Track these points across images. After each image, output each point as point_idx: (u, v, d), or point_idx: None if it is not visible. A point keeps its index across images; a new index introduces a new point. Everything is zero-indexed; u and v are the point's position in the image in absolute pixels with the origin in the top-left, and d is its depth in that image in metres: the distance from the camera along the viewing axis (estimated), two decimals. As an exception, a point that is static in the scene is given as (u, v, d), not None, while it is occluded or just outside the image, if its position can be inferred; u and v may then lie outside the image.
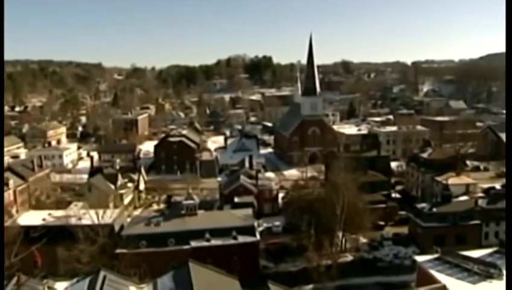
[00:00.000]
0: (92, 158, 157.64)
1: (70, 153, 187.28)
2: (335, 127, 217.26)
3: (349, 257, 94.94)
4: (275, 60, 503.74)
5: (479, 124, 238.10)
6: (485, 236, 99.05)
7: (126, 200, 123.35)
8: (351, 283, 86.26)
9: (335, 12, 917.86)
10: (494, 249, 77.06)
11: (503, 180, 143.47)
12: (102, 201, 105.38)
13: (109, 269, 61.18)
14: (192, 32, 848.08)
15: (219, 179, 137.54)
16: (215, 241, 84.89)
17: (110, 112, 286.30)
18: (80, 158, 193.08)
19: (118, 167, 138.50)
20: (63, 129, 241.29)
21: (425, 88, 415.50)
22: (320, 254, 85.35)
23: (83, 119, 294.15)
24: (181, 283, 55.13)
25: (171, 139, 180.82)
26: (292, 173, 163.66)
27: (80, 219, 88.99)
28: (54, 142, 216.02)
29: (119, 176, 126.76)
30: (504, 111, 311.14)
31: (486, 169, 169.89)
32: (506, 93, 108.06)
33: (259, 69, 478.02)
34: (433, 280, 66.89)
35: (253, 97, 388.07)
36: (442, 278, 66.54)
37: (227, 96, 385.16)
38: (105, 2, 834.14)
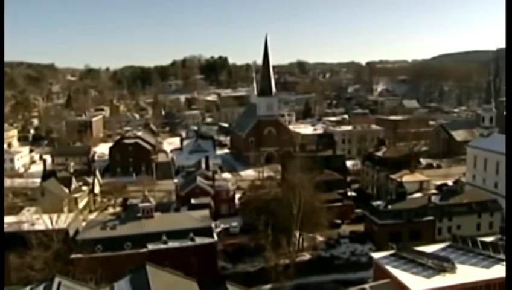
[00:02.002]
0: (44, 161, 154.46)
1: (22, 156, 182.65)
2: (291, 127, 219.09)
3: (306, 256, 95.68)
4: (231, 61, 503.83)
5: (431, 122, 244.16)
6: (439, 231, 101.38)
7: (81, 204, 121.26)
8: (309, 281, 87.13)
9: (290, 13, 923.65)
10: (447, 243, 79.45)
11: (455, 177, 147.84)
12: (56, 205, 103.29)
13: (64, 275, 60.31)
14: (147, 32, 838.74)
15: (175, 180, 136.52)
16: (172, 244, 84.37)
17: (63, 113, 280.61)
18: (32, 162, 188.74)
19: (72, 170, 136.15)
20: (14, 132, 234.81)
21: (380, 88, 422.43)
22: (278, 254, 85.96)
23: (35, 121, 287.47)
24: (138, 287, 54.82)
25: (126, 141, 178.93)
26: (249, 173, 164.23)
27: (32, 224, 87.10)
28: (4, 146, 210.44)
29: (74, 180, 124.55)
30: (456, 110, 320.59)
31: (438, 166, 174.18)
32: (506, 93, 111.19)
33: (215, 70, 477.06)
34: (389, 276, 68.33)
35: (209, 98, 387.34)
36: (397, 273, 68.10)
37: (182, 97, 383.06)
38: (56, 2, 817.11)
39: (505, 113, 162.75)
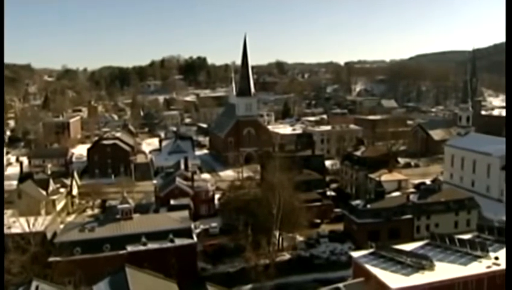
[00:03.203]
0: (21, 164, 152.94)
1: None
2: (270, 127, 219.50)
3: (286, 256, 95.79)
4: (210, 61, 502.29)
5: (409, 122, 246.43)
6: (417, 229, 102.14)
7: (59, 206, 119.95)
8: (289, 281, 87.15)
9: (269, 13, 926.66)
10: (425, 241, 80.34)
11: (433, 176, 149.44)
12: (33, 208, 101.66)
13: (42, 279, 59.72)
14: (125, 32, 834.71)
15: (154, 181, 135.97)
16: (151, 245, 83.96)
17: (40, 115, 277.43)
18: (9, 164, 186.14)
19: (49, 172, 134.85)
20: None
21: (358, 88, 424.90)
22: (257, 254, 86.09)
23: (11, 123, 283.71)
24: (118, 289, 54.46)
25: (105, 142, 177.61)
26: (228, 173, 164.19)
27: (9, 227, 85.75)
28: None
29: (51, 182, 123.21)
30: (433, 110, 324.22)
31: (417, 165, 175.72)
32: (506, 93, 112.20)
33: (194, 70, 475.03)
34: (368, 274, 68.81)
35: (188, 98, 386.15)
36: (377, 271, 68.62)
37: (161, 98, 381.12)
38: (31, 2, 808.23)
39: (470, 112, 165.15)
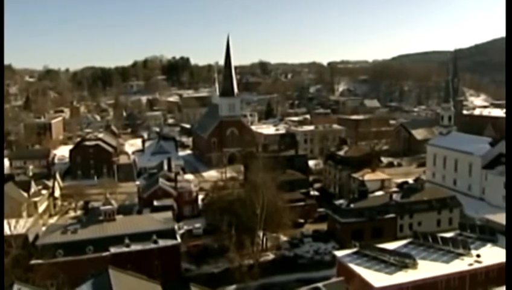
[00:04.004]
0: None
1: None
2: (253, 127, 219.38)
3: (270, 256, 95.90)
4: (193, 61, 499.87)
5: (392, 121, 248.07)
6: (400, 228, 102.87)
7: (40, 208, 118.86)
8: (273, 281, 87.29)
9: (251, 13, 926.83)
10: (409, 240, 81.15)
11: (415, 175, 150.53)
12: (14, 210, 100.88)
13: (24, 282, 59.12)
14: (108, 32, 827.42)
15: (137, 182, 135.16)
16: (135, 246, 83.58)
17: (21, 116, 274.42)
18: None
19: (31, 174, 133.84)
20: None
21: (341, 88, 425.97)
22: (241, 254, 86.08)
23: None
24: (101, 291, 54.09)
25: (87, 143, 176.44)
26: (211, 174, 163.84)
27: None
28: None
29: (33, 183, 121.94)
30: (415, 109, 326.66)
31: (399, 165, 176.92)
32: (506, 93, 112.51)
33: (177, 70, 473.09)
34: (352, 273, 69.18)
35: (171, 99, 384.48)
36: (360, 270, 69.11)
37: (144, 98, 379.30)
38: (11, 1, 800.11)
39: (452, 112, 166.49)
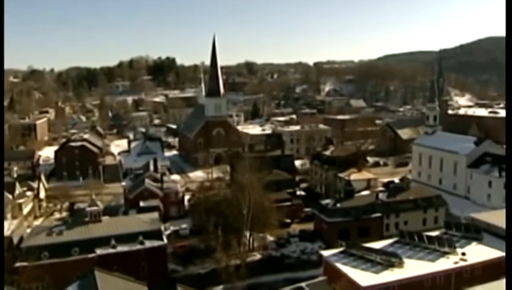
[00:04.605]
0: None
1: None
2: (239, 127, 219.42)
3: (257, 256, 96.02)
4: (179, 61, 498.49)
5: (377, 121, 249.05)
6: (386, 227, 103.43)
7: (25, 210, 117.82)
8: (260, 281, 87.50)
9: (238, 13, 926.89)
10: (395, 239, 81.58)
11: (401, 174, 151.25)
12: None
13: (9, 285, 58.67)
14: (93, 32, 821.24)
15: (123, 183, 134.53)
16: (121, 248, 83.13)
17: (6, 116, 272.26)
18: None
19: (15, 175, 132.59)
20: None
21: (327, 88, 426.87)
22: (228, 254, 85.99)
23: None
24: (87, 293, 53.80)
25: (73, 144, 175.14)
26: (198, 174, 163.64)
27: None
28: None
29: (17, 185, 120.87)
30: (401, 109, 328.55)
31: (385, 164, 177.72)
32: (506, 92, 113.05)
33: (163, 71, 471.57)
34: (339, 273, 69.39)
35: (157, 99, 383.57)
36: (347, 270, 69.33)
37: (130, 99, 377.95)
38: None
39: (437, 111, 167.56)
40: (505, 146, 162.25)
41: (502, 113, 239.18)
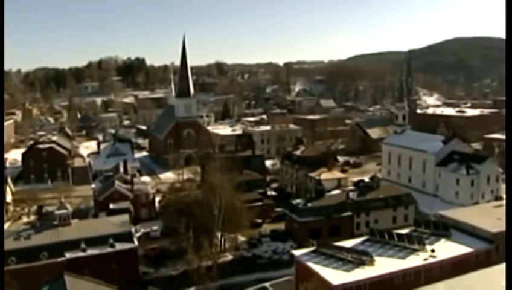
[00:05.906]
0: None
1: None
2: (210, 128, 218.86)
3: (229, 257, 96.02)
4: (148, 62, 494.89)
5: (347, 121, 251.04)
6: (357, 226, 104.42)
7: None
8: (232, 281, 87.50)
9: (207, 14, 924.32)
10: (365, 237, 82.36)
11: (371, 173, 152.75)
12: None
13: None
14: (61, 32, 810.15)
15: (93, 185, 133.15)
16: (91, 251, 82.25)
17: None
18: None
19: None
20: None
21: (297, 88, 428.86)
22: (200, 256, 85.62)
23: None
24: (56, 298, 53.09)
25: (40, 146, 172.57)
26: (168, 176, 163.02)
27: None
28: None
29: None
30: (371, 109, 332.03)
31: (356, 163, 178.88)
32: (506, 92, 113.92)
33: (132, 71, 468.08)
34: (310, 272, 69.68)
35: (126, 100, 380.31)
36: (319, 269, 69.69)
37: (99, 100, 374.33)
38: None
39: (406, 111, 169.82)
40: (472, 144, 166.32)
41: (469, 112, 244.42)
